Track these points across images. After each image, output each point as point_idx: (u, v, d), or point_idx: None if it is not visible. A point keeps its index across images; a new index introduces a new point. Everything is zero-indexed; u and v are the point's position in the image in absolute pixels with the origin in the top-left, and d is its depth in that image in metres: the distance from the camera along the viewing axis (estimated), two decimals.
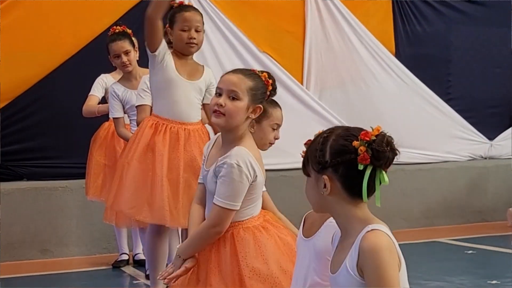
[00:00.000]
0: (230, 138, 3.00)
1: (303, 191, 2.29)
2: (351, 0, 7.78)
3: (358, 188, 2.10)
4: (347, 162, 2.10)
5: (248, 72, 3.05)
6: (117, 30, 5.44)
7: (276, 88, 3.10)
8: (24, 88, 6.65)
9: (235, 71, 3.03)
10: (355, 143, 2.11)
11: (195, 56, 4.54)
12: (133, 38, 5.46)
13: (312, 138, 2.57)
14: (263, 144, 3.31)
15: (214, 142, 3.13)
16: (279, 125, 3.33)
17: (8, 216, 6.24)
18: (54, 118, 6.73)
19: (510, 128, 8.41)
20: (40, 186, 6.47)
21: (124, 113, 5.24)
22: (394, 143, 2.13)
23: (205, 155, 3.13)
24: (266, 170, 3.09)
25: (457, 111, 8.20)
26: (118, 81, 5.38)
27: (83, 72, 6.72)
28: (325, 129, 2.66)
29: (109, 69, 5.71)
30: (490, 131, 8.34)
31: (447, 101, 8.20)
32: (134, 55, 5.37)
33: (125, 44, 5.35)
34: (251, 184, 2.96)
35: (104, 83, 5.70)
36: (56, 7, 6.69)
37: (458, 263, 5.93)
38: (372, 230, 2.07)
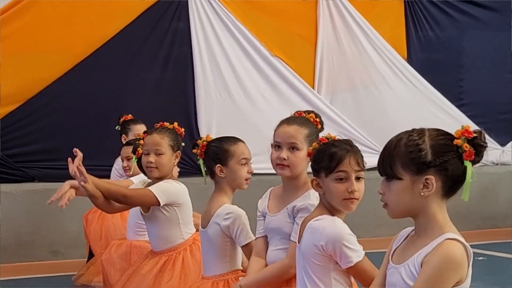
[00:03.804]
0: (294, 184, 3.05)
1: None
2: (363, 4, 7.78)
3: (457, 185, 2.16)
4: (451, 160, 2.12)
5: (301, 120, 3.07)
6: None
7: (323, 123, 3.15)
8: (36, 90, 6.68)
9: (289, 121, 3.06)
10: (457, 141, 2.12)
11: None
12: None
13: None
14: (239, 184, 3.35)
15: (269, 195, 3.16)
16: (247, 159, 3.35)
17: (19, 217, 6.26)
18: (65, 120, 6.75)
19: None
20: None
21: None
22: None
23: (261, 209, 3.16)
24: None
25: (469, 116, 8.17)
26: None
27: (95, 74, 6.75)
28: (335, 133, 2.68)
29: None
30: (502, 137, 8.30)
31: (459, 106, 8.18)
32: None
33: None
34: None
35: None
36: (68, 10, 6.72)
37: None
38: (452, 239, 2.12)
